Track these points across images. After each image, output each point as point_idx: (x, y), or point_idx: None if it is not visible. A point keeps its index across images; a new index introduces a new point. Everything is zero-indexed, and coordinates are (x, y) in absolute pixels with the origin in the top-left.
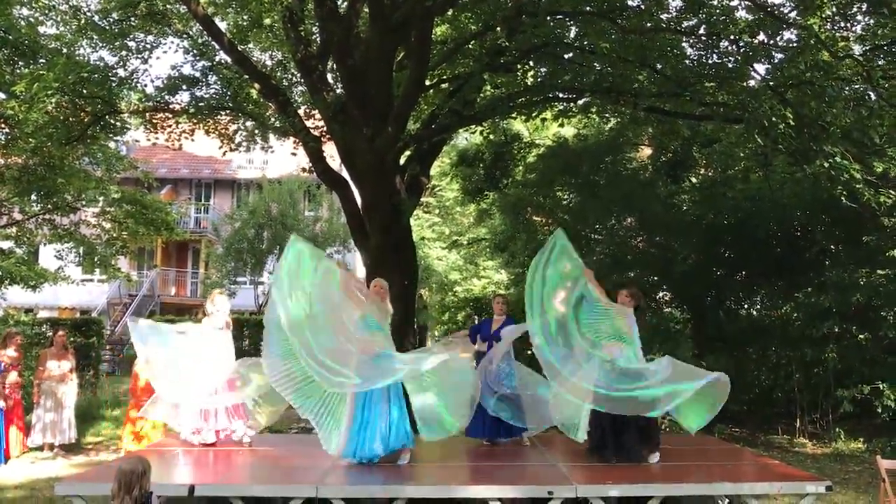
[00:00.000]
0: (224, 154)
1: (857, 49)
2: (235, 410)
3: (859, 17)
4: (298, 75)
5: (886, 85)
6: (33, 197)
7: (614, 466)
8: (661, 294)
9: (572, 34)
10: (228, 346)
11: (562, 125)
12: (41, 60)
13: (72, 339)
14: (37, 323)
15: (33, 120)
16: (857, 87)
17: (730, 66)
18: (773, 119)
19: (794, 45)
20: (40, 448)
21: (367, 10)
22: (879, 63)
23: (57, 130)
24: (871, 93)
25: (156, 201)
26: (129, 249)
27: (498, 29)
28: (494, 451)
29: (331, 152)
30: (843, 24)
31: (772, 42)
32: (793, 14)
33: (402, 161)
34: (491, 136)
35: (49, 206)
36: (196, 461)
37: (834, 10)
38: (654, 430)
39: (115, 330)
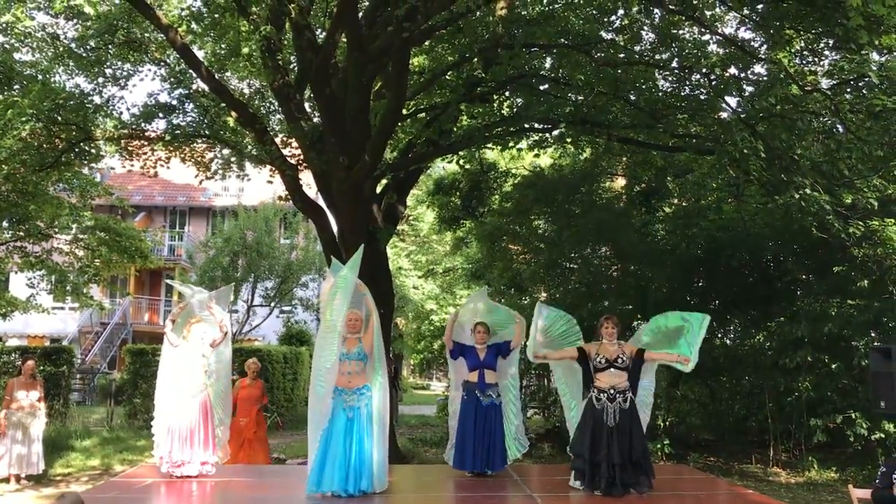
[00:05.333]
0: (200, 182)
1: (824, 83)
2: (206, 441)
3: (826, 53)
4: (276, 104)
5: (854, 118)
6: (4, 224)
7: (591, 498)
8: (636, 323)
9: (548, 66)
10: (199, 370)
11: (537, 155)
12: (16, 87)
13: (41, 367)
14: (5, 351)
15: (7, 146)
16: (825, 120)
17: (702, 98)
18: (745, 151)
19: (765, 78)
20: (6, 480)
21: (344, 39)
22: (846, 97)
23: (31, 157)
24: (839, 126)
25: (130, 229)
26: (102, 277)
27: (475, 60)
28: (475, 482)
29: (307, 180)
30: (811, 59)
31: (743, 76)
32: (763, 49)
33: (378, 189)
34: (467, 166)
35: (21, 232)
36: (171, 494)
37: (802, 45)
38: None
39: (86, 359)
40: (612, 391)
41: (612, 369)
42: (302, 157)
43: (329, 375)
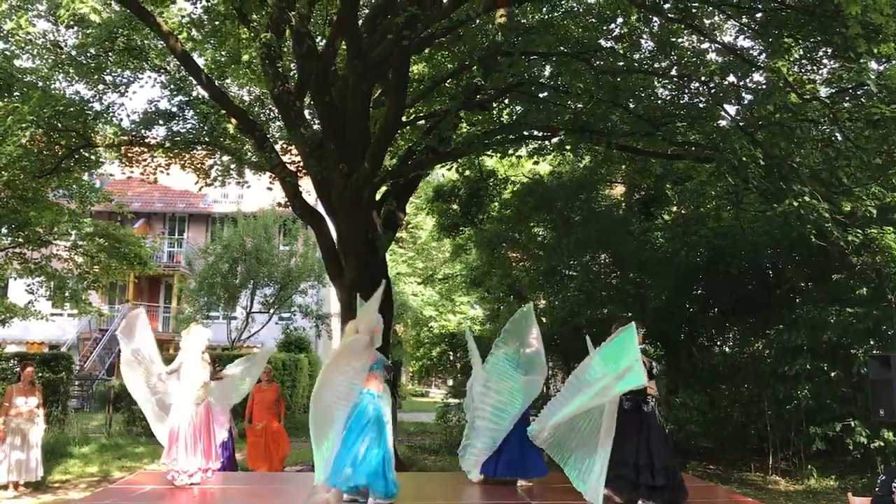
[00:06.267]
0: (200, 188)
1: (823, 92)
2: (209, 448)
3: (825, 61)
4: (276, 111)
5: (852, 127)
6: (4, 230)
7: None
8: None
9: (547, 73)
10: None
11: (537, 162)
12: (16, 93)
13: (40, 374)
14: (4, 358)
15: (7, 152)
16: (824, 128)
17: (701, 106)
18: (744, 158)
19: (764, 87)
20: (5, 487)
21: (344, 47)
22: (845, 105)
23: (31, 163)
24: (837, 134)
25: (129, 235)
26: (101, 284)
27: (474, 68)
28: (476, 490)
29: (307, 187)
30: (809, 68)
31: (742, 84)
32: (762, 57)
33: (378, 196)
34: (467, 173)
35: (20, 239)
36: (170, 501)
37: (801, 53)
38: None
39: (85, 365)
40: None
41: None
42: (301, 164)
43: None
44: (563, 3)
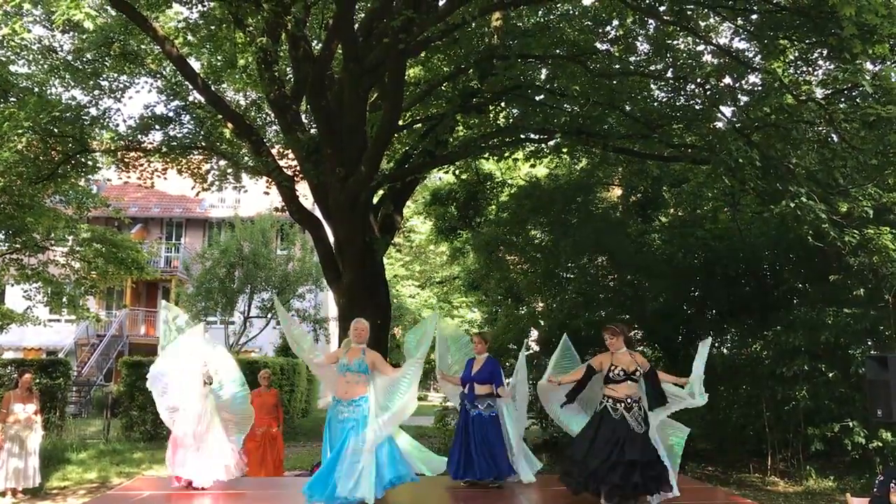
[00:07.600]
0: (197, 193)
1: (819, 93)
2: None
3: (820, 63)
4: (272, 115)
5: (848, 128)
6: (1, 236)
7: None
8: (632, 332)
9: (543, 76)
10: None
11: (534, 165)
12: (12, 99)
13: (38, 380)
14: (1, 364)
15: (3, 158)
16: (820, 129)
17: (697, 108)
18: (740, 160)
19: (759, 88)
20: (3, 494)
21: (340, 51)
22: (841, 106)
23: (27, 169)
24: (833, 135)
25: (126, 240)
26: (98, 289)
27: (470, 71)
28: (472, 493)
29: (304, 191)
30: (805, 69)
31: (737, 85)
32: (757, 58)
33: (375, 200)
34: (464, 176)
35: (17, 244)
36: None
37: (796, 55)
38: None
39: (83, 371)
40: (628, 401)
41: (629, 381)
42: (298, 168)
43: None
44: (558, 6)
